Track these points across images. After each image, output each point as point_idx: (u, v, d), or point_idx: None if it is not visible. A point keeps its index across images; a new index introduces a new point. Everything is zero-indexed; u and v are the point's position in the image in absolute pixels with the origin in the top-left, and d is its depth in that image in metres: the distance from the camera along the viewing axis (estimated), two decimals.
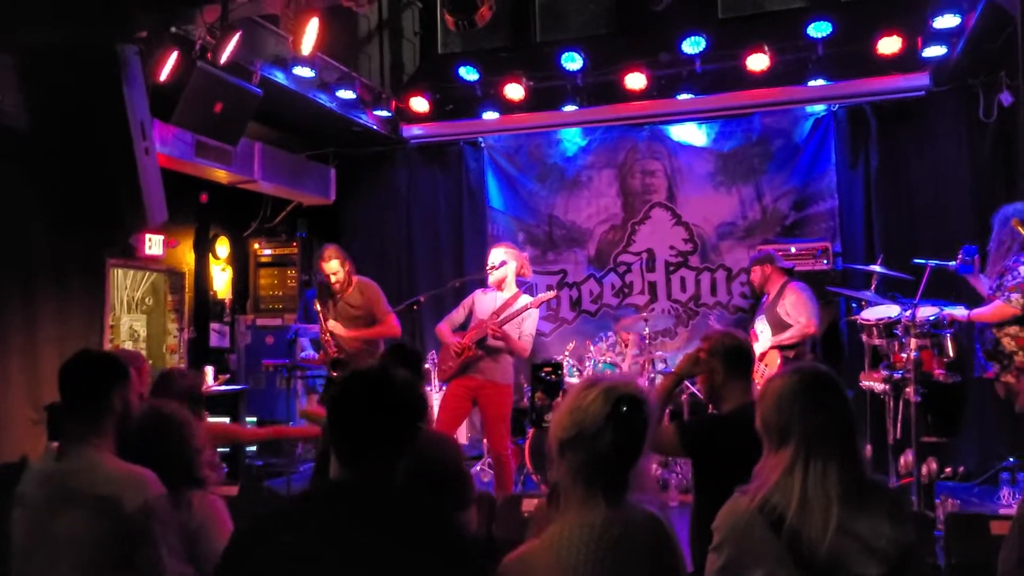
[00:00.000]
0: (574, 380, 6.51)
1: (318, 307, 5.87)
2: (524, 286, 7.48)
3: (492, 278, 5.72)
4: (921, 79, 6.94)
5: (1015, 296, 4.80)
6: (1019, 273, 4.84)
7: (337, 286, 5.81)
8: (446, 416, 5.63)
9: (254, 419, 8.03)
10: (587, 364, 6.62)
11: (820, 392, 2.16)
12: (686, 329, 7.75)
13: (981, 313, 5.01)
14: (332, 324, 5.79)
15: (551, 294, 6.06)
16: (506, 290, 5.77)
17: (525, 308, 5.58)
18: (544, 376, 6.52)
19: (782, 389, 2.18)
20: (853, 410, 2.19)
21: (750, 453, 2.26)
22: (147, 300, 8.16)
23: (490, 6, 4.41)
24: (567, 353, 6.73)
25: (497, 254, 5.80)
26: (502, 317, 5.57)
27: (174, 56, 5.22)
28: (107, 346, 6.68)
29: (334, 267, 5.79)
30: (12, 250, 5.74)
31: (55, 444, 5.48)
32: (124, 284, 8.00)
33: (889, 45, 6.40)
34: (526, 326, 5.63)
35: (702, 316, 7.69)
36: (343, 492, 1.85)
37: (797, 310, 5.89)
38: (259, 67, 6.15)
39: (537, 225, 8.18)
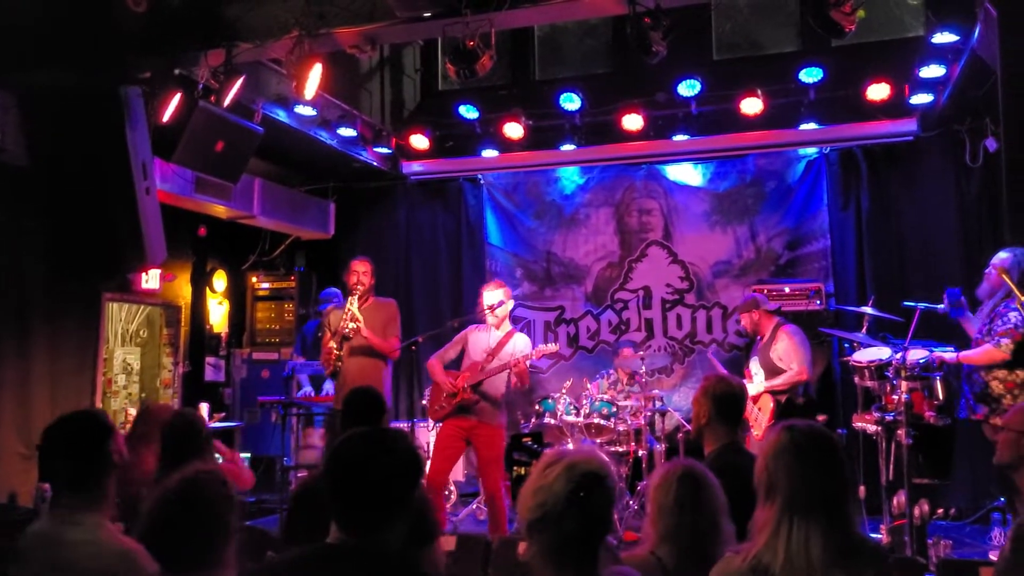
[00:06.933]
0: (571, 418, 6.53)
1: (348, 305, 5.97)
2: (520, 323, 7.55)
3: (492, 319, 5.70)
4: (909, 124, 7.09)
5: (1005, 341, 4.91)
6: (1009, 319, 4.95)
7: (357, 289, 5.86)
8: (440, 456, 5.63)
9: (248, 455, 8.02)
10: (584, 402, 6.62)
11: (808, 452, 2.14)
12: (682, 366, 7.78)
13: (970, 356, 5.11)
14: (358, 324, 5.74)
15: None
16: (501, 329, 5.76)
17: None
18: (528, 445, 6.55)
19: (772, 446, 2.18)
20: (844, 470, 2.18)
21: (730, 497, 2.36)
22: (142, 332, 8.12)
23: (491, 56, 4.50)
24: (564, 391, 6.74)
25: (496, 294, 5.74)
26: (498, 361, 5.55)
27: (177, 97, 5.28)
28: (100, 380, 6.66)
29: (363, 268, 5.92)
30: (8, 286, 5.76)
31: (47, 485, 5.41)
32: (119, 316, 7.98)
33: (878, 91, 6.55)
34: (519, 351, 5.62)
35: (698, 353, 7.74)
36: (340, 557, 1.85)
37: (789, 356, 5.96)
38: (261, 106, 6.23)
39: (535, 262, 8.24)
